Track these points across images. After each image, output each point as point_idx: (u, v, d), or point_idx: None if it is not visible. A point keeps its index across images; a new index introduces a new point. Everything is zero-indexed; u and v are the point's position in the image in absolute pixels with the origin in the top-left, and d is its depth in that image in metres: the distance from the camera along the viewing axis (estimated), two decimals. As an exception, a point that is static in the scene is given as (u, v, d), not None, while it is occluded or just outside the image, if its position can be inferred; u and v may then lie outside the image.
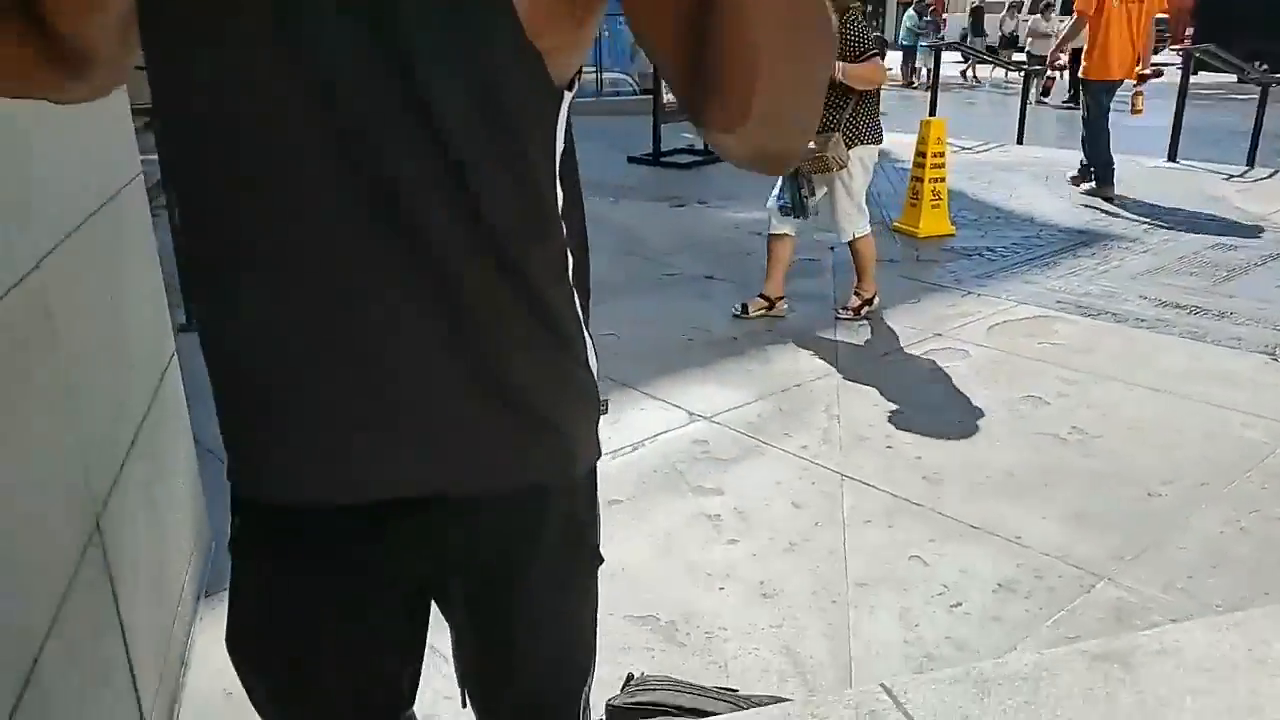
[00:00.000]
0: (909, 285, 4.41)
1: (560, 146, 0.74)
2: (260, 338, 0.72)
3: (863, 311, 3.95)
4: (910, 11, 15.91)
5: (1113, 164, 6.14)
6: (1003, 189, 6.58)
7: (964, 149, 7.98)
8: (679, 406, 3.14)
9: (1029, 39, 13.41)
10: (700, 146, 8.10)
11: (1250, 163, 7.19)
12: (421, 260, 0.68)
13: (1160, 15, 5.94)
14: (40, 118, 1.28)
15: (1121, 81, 5.96)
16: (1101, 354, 3.53)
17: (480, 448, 0.75)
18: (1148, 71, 6.04)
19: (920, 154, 5.15)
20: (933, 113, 8.32)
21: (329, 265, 0.68)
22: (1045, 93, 6.40)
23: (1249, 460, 2.67)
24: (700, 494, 2.57)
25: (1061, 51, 6.41)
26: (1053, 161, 7.29)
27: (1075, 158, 6.68)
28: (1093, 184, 6.28)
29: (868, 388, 3.27)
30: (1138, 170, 7.17)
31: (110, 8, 0.76)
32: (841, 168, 3.71)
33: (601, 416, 0.85)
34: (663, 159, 7.71)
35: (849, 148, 3.71)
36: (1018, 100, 9.08)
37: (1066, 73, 13.35)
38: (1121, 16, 5.63)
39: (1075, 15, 5.94)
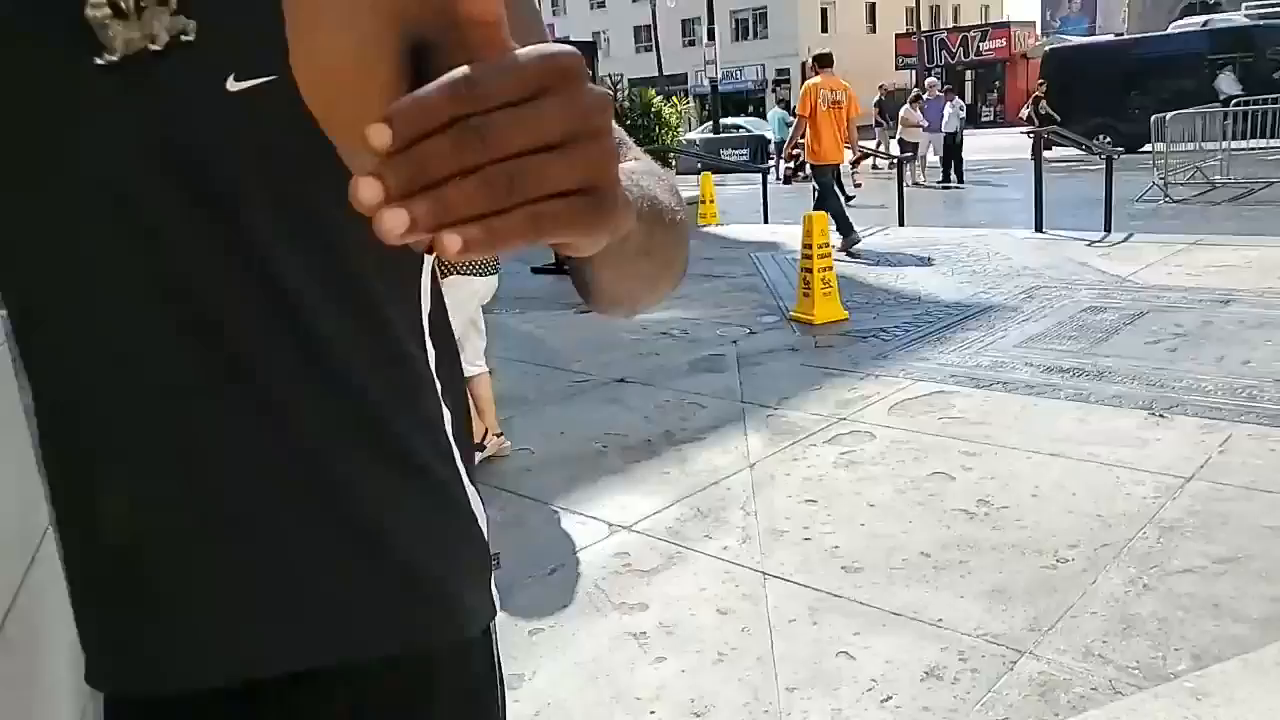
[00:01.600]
0: (810, 372, 4.54)
1: (428, 302, 0.74)
2: (118, 520, 0.70)
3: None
4: (776, 109, 17.05)
5: (845, 215, 7.91)
6: (889, 271, 6.92)
7: (850, 234, 8.36)
8: (597, 519, 3.11)
9: (900, 127, 14.35)
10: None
11: (1107, 228, 7.77)
12: (278, 429, 0.67)
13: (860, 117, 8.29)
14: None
15: (839, 164, 8.06)
16: (997, 424, 3.68)
17: (356, 614, 0.72)
18: (855, 156, 8.97)
19: (806, 246, 5.39)
20: (817, 205, 8.75)
21: (186, 441, 0.67)
22: (786, 181, 8.12)
23: (1142, 517, 2.80)
24: (625, 611, 2.52)
25: (794, 148, 7.92)
26: (934, 241, 7.72)
27: (954, 235, 7.10)
28: (840, 241, 7.55)
29: (781, 479, 3.31)
30: (1010, 242, 7.66)
31: None
32: None
33: (495, 573, 0.83)
34: (565, 267, 7.83)
35: (443, 275, 3.37)
36: (894, 185, 9.67)
37: (939, 154, 14.33)
38: (829, 118, 7.50)
39: (797, 118, 7.94)
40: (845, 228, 7.68)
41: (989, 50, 34.21)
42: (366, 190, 0.34)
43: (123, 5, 0.61)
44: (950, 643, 2.25)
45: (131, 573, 0.72)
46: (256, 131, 0.61)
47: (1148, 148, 12.82)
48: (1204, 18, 19.86)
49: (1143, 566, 2.51)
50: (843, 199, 8.68)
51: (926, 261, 7.14)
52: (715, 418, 4.00)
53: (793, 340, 5.13)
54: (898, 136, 14.27)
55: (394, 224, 0.34)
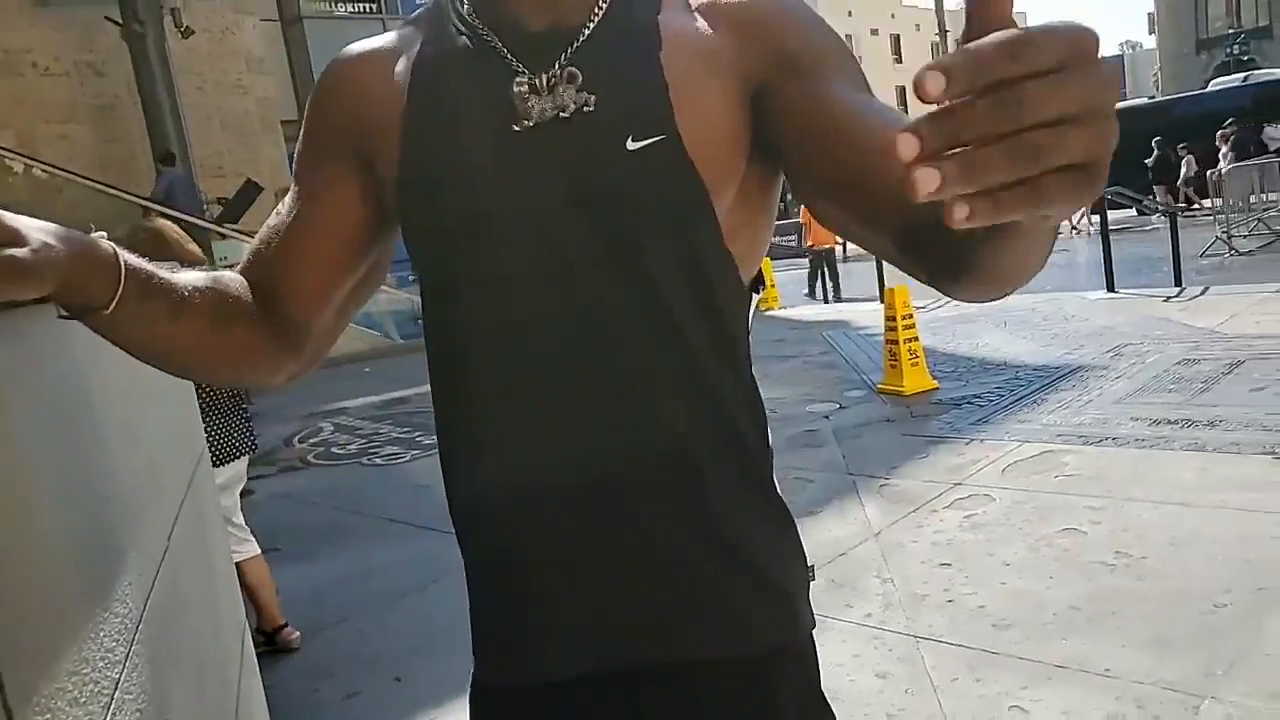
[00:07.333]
0: (913, 441, 4.57)
1: (749, 341, 0.85)
2: (512, 518, 0.80)
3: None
4: None
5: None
6: (967, 340, 6.96)
7: (919, 308, 8.44)
8: (730, 594, 3.14)
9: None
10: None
11: (1178, 283, 7.74)
12: (663, 445, 0.78)
13: None
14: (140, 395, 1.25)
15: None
16: (1116, 478, 3.67)
17: (719, 614, 0.81)
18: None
19: (890, 319, 5.49)
20: (880, 280, 8.89)
21: (575, 447, 0.78)
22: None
23: (1294, 558, 2.76)
24: (782, 678, 2.54)
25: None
26: (1004, 307, 7.74)
27: (1024, 300, 7.15)
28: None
29: (908, 546, 3.33)
30: (1083, 303, 7.66)
31: (340, 292, 0.90)
32: None
33: (810, 584, 0.92)
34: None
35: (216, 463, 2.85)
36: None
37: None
38: None
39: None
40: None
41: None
42: (905, 146, 0.36)
43: (538, 84, 0.77)
44: (1124, 691, 2.23)
45: (514, 572, 0.81)
46: (650, 181, 0.75)
47: (1201, 203, 12.82)
48: (1243, 74, 19.98)
49: (1307, 607, 2.48)
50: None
51: (1003, 327, 7.17)
52: (825, 491, 4.04)
53: (886, 412, 5.18)
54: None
55: (927, 181, 0.36)
